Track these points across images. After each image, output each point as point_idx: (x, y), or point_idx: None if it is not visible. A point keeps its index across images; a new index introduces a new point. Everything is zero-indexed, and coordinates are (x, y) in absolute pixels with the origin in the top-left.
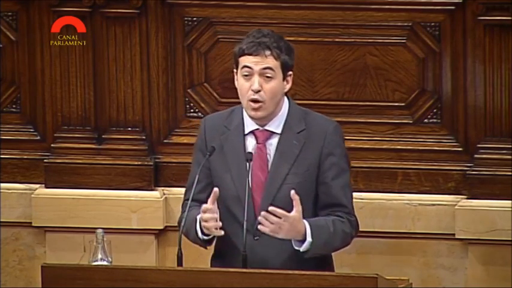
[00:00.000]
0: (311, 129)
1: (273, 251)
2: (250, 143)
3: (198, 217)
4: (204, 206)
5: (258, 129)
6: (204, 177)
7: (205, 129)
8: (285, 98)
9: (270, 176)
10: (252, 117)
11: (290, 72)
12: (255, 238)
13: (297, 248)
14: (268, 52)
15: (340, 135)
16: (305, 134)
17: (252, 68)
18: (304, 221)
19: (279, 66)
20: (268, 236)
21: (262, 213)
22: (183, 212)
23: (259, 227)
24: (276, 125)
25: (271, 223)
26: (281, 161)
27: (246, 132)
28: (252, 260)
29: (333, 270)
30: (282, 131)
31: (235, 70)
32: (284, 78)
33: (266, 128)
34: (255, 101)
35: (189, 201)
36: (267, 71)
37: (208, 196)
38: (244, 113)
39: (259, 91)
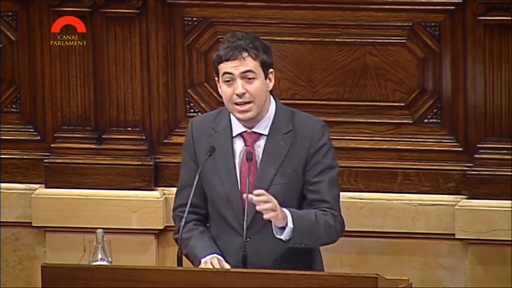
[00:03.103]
0: (298, 129)
1: (263, 252)
2: (239, 146)
3: (203, 261)
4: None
5: (245, 131)
6: (193, 180)
7: (192, 131)
8: (272, 99)
9: (258, 178)
10: (240, 120)
11: (271, 70)
12: (246, 240)
13: (278, 236)
14: (245, 54)
15: (326, 134)
16: (292, 135)
17: (232, 74)
18: (285, 209)
19: (258, 66)
20: (258, 237)
21: (252, 196)
22: (178, 225)
23: (257, 207)
24: (264, 127)
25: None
26: (268, 162)
27: (234, 134)
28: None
29: (323, 269)
30: (269, 132)
31: (216, 78)
32: (266, 77)
33: (254, 130)
34: (241, 104)
35: (176, 210)
36: (248, 73)
37: (198, 199)
38: (232, 115)
39: (243, 94)
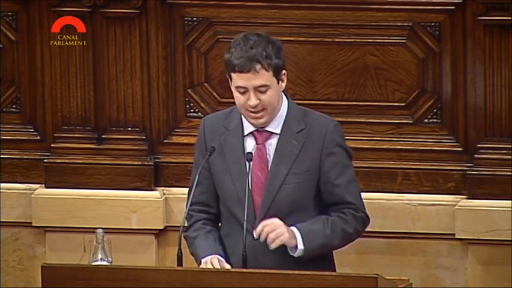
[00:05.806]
0: (310, 128)
1: (272, 251)
2: (250, 144)
3: (203, 261)
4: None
5: (257, 130)
6: (204, 178)
7: (204, 130)
8: (284, 98)
9: (270, 177)
10: (253, 124)
11: (283, 72)
12: (255, 238)
13: (291, 253)
14: (258, 66)
15: (340, 133)
16: (304, 134)
17: (246, 87)
18: (294, 229)
19: (271, 76)
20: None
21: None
22: (187, 223)
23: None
24: (275, 126)
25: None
26: (280, 161)
27: (245, 133)
28: (251, 259)
29: (334, 270)
30: (281, 131)
31: (228, 78)
32: (278, 81)
33: (265, 128)
34: (254, 112)
35: (187, 208)
36: (261, 87)
37: (209, 198)
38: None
39: (257, 104)
